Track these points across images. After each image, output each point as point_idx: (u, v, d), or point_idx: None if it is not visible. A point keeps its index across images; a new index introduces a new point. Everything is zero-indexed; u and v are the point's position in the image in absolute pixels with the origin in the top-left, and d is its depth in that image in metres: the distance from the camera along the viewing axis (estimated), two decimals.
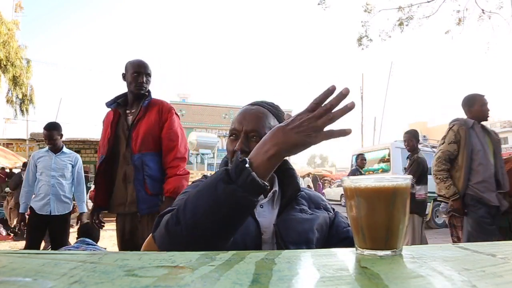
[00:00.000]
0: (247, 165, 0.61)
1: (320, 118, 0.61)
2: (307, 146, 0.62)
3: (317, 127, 0.61)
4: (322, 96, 0.62)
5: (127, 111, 1.99)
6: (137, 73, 1.93)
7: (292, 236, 0.78)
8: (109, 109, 2.02)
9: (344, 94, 0.61)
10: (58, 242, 2.98)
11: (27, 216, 3.02)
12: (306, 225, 0.82)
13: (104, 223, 2.05)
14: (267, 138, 0.63)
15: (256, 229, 0.78)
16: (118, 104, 1.98)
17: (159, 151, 1.94)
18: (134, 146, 1.87)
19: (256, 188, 0.60)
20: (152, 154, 1.91)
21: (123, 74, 1.99)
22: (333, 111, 0.61)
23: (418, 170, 3.65)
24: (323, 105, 0.62)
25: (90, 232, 2.66)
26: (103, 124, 2.05)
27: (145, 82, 1.95)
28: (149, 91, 2.00)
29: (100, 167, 1.92)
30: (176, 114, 2.03)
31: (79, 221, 3.29)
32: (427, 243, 3.82)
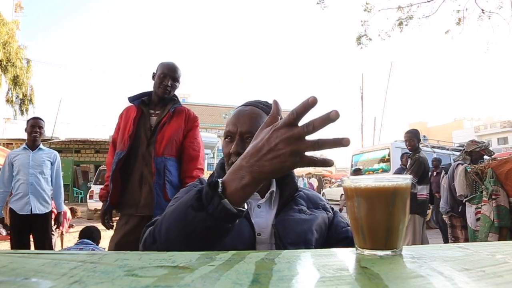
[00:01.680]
0: (219, 190, 0.55)
1: (300, 140, 0.51)
2: (285, 172, 0.54)
3: (297, 151, 0.51)
4: (301, 108, 0.51)
5: (151, 111, 1.94)
6: (164, 75, 1.89)
7: (290, 237, 0.78)
8: (131, 104, 1.96)
9: (332, 118, 0.49)
10: (41, 242, 2.87)
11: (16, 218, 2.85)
12: (305, 226, 0.81)
13: (113, 223, 1.99)
14: (243, 163, 0.55)
15: (250, 232, 0.77)
16: (142, 102, 1.94)
17: (178, 158, 1.92)
18: (159, 149, 1.84)
19: (227, 216, 0.56)
20: (173, 160, 1.89)
21: (153, 73, 1.95)
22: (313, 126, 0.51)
23: (420, 170, 3.60)
24: (305, 124, 0.51)
25: (91, 234, 2.67)
26: (121, 118, 1.99)
27: (169, 85, 1.90)
28: (176, 97, 1.98)
29: (119, 163, 1.85)
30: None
31: (57, 220, 3.19)
32: (428, 243, 3.82)
